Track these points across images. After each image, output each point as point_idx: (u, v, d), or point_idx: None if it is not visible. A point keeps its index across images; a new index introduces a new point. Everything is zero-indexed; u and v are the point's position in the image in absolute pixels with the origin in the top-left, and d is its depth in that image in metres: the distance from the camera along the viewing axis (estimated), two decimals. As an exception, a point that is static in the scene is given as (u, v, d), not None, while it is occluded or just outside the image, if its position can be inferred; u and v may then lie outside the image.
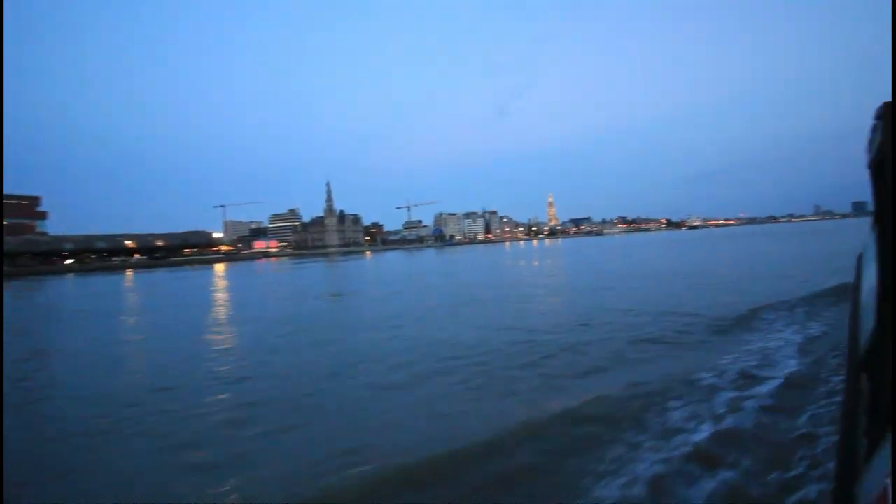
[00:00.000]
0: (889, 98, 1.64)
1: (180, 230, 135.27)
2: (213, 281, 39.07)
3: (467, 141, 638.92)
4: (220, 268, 76.43)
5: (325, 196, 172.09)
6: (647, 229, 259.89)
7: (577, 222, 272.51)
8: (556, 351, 8.07)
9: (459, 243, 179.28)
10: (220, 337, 11.96)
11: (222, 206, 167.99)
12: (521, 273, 30.08)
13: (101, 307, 21.72)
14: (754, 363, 6.42)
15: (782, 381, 5.86)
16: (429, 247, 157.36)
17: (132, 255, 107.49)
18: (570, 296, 16.27)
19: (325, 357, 8.96)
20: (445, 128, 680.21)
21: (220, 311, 17.48)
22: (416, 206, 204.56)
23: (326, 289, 25.55)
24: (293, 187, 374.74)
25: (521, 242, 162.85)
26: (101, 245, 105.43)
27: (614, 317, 10.69)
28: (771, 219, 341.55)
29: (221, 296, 24.46)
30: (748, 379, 6.02)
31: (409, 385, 6.77)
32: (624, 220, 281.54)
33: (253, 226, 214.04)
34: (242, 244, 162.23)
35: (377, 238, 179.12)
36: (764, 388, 5.58)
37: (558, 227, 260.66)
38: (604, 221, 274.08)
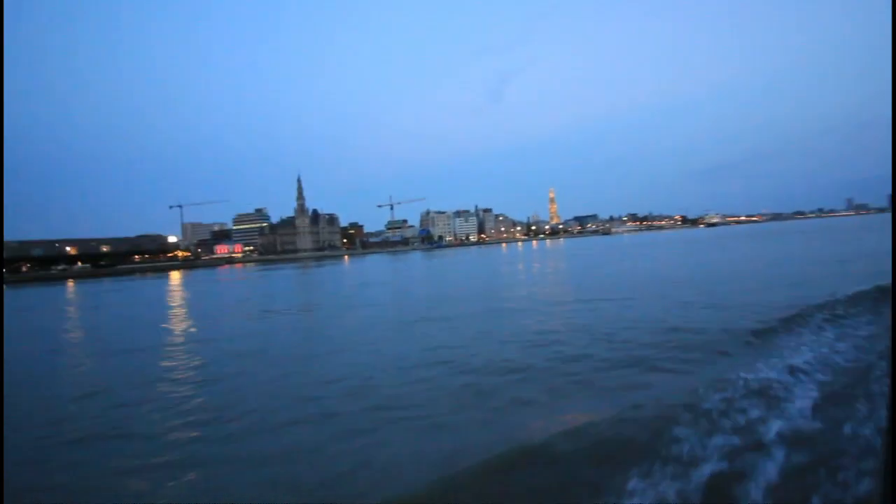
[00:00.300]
0: None
1: (132, 234, 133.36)
2: (158, 293, 37.50)
3: (458, 131, 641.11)
4: (175, 276, 74.49)
5: (295, 194, 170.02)
6: (660, 227, 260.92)
7: (581, 220, 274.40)
8: (507, 400, 6.88)
9: (449, 245, 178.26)
10: (100, 369, 10.61)
11: (179, 206, 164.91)
12: (512, 279, 28.96)
13: None
14: (758, 414, 5.23)
15: (791, 440, 4.67)
16: (414, 249, 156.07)
17: (74, 263, 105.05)
18: (554, 311, 15.11)
19: (184, 406, 7.69)
20: (433, 117, 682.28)
21: (127, 336, 16.09)
22: (399, 204, 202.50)
23: (280, 303, 24.19)
24: (261, 184, 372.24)
25: (519, 243, 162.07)
26: (38, 252, 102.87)
27: (598, 346, 9.52)
28: (798, 214, 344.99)
29: (149, 313, 22.97)
30: (744, 436, 4.82)
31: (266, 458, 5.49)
32: (634, 218, 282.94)
33: (216, 228, 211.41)
34: (203, 249, 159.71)
35: (356, 240, 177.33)
36: (762, 461, 4.37)
37: (560, 226, 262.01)
38: (611, 219, 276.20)
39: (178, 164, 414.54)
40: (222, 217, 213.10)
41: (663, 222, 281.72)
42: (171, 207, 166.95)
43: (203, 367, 10.16)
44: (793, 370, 6.63)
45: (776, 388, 5.96)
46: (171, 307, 24.85)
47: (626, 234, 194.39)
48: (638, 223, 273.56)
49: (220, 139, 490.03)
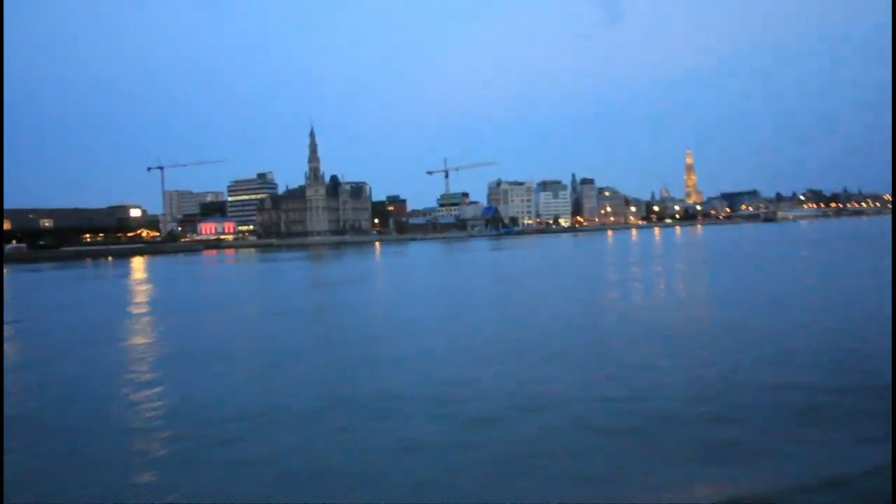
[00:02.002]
0: None
1: (96, 206, 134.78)
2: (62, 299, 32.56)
3: (549, 69, 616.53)
4: (137, 264, 72.14)
5: (308, 154, 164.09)
6: (859, 212, 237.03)
7: (731, 199, 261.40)
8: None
9: (527, 231, 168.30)
10: None
11: (159, 167, 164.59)
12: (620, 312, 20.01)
13: None
14: None
15: None
16: (474, 236, 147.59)
17: (9, 242, 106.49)
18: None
19: None
20: (512, 48, 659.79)
21: None
22: (458, 170, 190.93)
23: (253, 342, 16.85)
24: (270, 143, 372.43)
25: (634, 231, 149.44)
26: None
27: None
28: None
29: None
30: None
31: None
32: (817, 197, 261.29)
33: (208, 198, 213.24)
34: (187, 226, 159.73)
35: (391, 221, 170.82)
36: None
37: (699, 207, 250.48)
38: (779, 199, 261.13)
39: (158, 116, 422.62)
40: (217, 184, 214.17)
41: (864, 203, 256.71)
42: (149, 170, 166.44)
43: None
44: None
45: None
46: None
47: (803, 222, 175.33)
48: (822, 205, 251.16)
49: (216, 82, 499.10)
